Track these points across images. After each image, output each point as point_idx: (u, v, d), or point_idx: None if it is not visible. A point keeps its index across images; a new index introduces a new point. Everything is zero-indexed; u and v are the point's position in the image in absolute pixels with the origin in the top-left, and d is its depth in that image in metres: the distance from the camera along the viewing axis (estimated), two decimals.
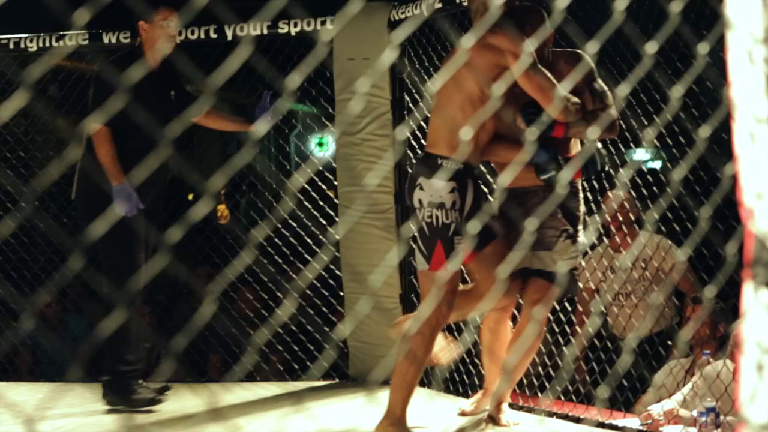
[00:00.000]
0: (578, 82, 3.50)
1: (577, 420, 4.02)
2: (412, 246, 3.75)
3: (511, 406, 4.09)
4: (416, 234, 3.55)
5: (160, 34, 4.38)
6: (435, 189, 3.48)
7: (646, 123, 3.84)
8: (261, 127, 4.23)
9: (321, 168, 5.38)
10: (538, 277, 3.76)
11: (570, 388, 4.06)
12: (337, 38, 5.01)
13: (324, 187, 5.21)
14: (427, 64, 4.83)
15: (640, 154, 8.08)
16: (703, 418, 3.73)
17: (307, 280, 4.56)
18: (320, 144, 10.12)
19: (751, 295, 1.32)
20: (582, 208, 3.83)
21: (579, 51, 3.56)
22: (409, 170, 3.59)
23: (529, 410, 4.19)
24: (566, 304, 4.41)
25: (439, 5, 4.66)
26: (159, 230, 4.32)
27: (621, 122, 3.81)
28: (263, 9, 1.46)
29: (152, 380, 4.49)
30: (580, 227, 3.78)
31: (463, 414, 4.11)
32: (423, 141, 4.83)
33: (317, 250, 4.98)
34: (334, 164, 5.18)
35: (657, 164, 8.40)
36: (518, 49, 3.34)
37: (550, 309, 3.88)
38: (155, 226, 4.33)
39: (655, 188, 4.15)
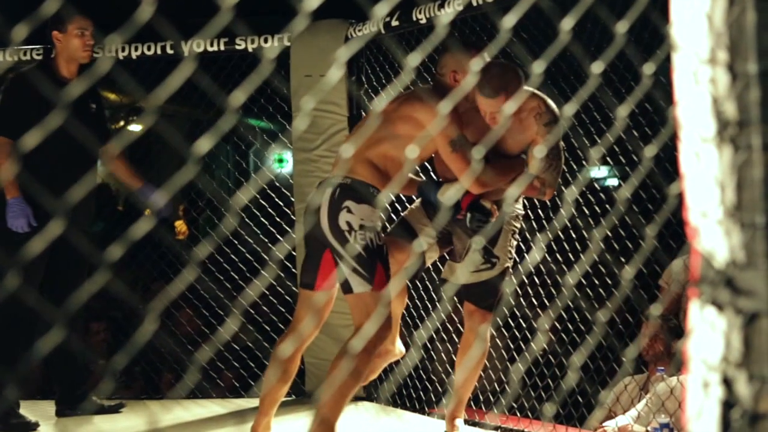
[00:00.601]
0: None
1: None
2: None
3: (466, 422, 4.10)
4: (348, 258, 3.50)
5: (76, 44, 4.25)
6: (366, 214, 3.52)
7: (596, 141, 3.88)
8: (159, 200, 4.26)
9: (277, 184, 5.36)
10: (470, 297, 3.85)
11: (525, 403, 4.08)
12: (294, 55, 5.01)
13: (281, 203, 5.20)
14: (384, 81, 4.84)
15: (599, 172, 8.14)
16: None
17: (252, 297, 4.49)
18: (279, 160, 10.09)
19: (697, 312, 1.33)
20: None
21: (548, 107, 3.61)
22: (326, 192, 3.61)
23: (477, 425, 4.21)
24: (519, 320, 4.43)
25: (396, 23, 4.68)
26: (95, 246, 4.26)
27: (573, 141, 3.86)
28: (216, 24, 1.45)
29: (103, 397, 4.43)
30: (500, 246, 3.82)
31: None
32: None
33: (273, 265, 4.95)
34: (291, 181, 5.17)
35: (614, 181, 8.47)
36: (440, 127, 3.48)
37: (488, 324, 3.87)
38: (88, 242, 4.25)
39: (607, 206, 4.19)
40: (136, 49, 5.12)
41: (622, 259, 3.74)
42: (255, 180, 5.50)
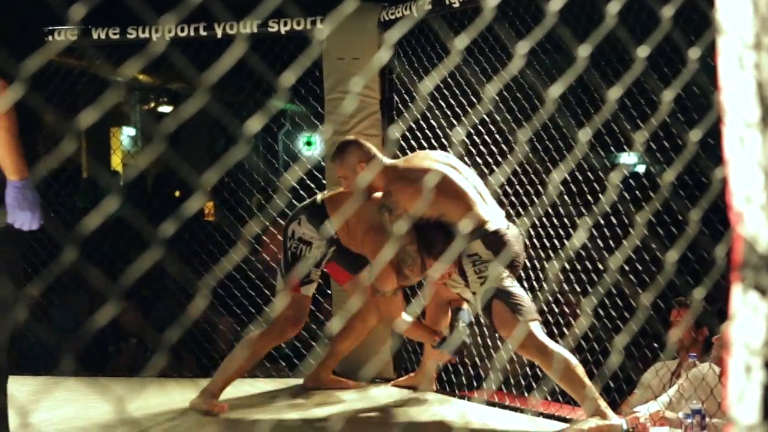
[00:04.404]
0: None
1: (565, 420, 4.05)
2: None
3: (505, 407, 4.24)
4: (281, 259, 4.35)
5: None
6: (309, 231, 4.29)
7: (637, 126, 3.87)
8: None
9: (310, 167, 5.38)
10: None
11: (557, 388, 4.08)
12: (327, 38, 5.01)
13: (313, 185, 5.21)
14: (416, 65, 4.84)
15: (626, 158, 8.10)
16: (689, 420, 3.75)
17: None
18: (308, 143, 10.11)
19: (739, 297, 1.34)
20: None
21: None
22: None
23: (518, 410, 4.23)
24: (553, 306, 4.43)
25: (429, 6, 4.67)
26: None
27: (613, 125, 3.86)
28: (256, 7, 1.47)
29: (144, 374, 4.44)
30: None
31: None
32: (413, 142, 4.86)
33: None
34: (323, 163, 5.18)
35: (641, 168, 8.43)
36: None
37: (509, 327, 3.90)
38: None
39: (637, 192, 4.18)
40: (170, 31, 5.14)
41: (665, 243, 3.73)
42: (303, 162, 5.54)
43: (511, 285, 3.93)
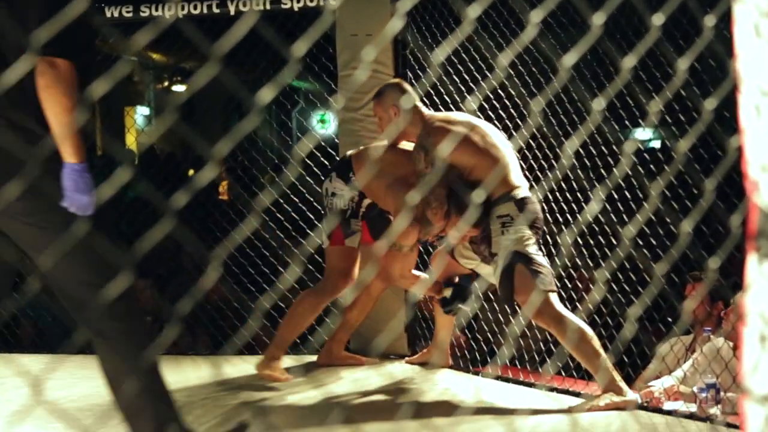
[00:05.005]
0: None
1: (578, 394, 4.04)
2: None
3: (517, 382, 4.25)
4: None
5: None
6: (339, 185, 4.36)
7: (650, 97, 3.85)
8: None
9: (323, 143, 5.38)
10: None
11: (571, 363, 4.07)
12: (340, 14, 4.99)
13: (327, 163, 5.21)
14: (430, 40, 4.82)
15: (641, 134, 8.05)
16: (704, 394, 3.74)
17: (307, 251, 4.65)
18: (322, 121, 10.10)
19: (755, 267, 1.33)
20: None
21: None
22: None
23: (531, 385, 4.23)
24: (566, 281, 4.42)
25: None
26: None
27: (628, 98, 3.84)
28: None
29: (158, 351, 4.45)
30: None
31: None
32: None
33: (319, 224, 5.01)
34: (336, 140, 5.17)
35: (657, 144, 8.37)
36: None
37: (527, 292, 3.90)
38: None
39: (652, 167, 4.15)
40: (183, 8, 5.14)
41: (680, 216, 3.72)
42: (313, 135, 5.54)
43: (536, 253, 3.95)
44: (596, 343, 3.79)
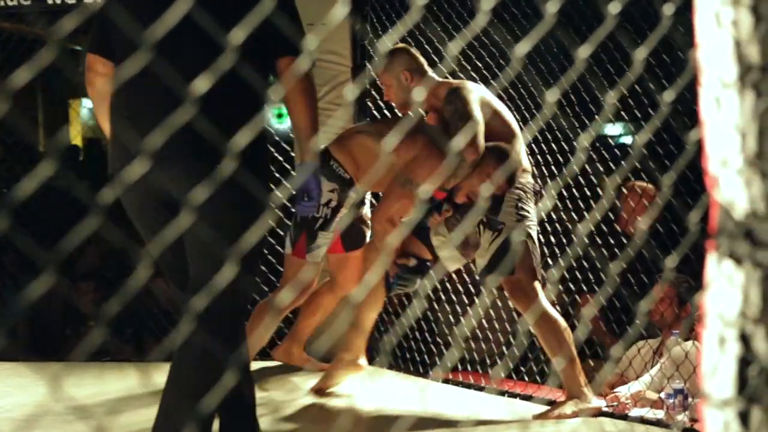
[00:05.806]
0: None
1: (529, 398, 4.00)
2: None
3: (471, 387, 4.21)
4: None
5: None
6: (326, 187, 3.96)
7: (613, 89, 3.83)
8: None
9: (278, 139, 5.26)
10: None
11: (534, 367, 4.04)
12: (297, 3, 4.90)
13: (281, 159, 5.09)
14: (390, 28, 4.75)
15: (613, 130, 8.05)
16: (671, 400, 3.66)
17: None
18: (279, 115, 9.99)
19: (714, 266, 1.27)
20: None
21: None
22: None
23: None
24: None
25: None
26: None
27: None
28: None
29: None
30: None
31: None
32: (379, 102, 4.77)
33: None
34: (291, 135, 5.07)
35: (628, 139, 8.37)
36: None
37: (525, 271, 3.84)
38: None
39: (623, 162, 4.11)
40: None
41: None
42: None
43: (535, 239, 3.91)
44: (569, 335, 3.73)
